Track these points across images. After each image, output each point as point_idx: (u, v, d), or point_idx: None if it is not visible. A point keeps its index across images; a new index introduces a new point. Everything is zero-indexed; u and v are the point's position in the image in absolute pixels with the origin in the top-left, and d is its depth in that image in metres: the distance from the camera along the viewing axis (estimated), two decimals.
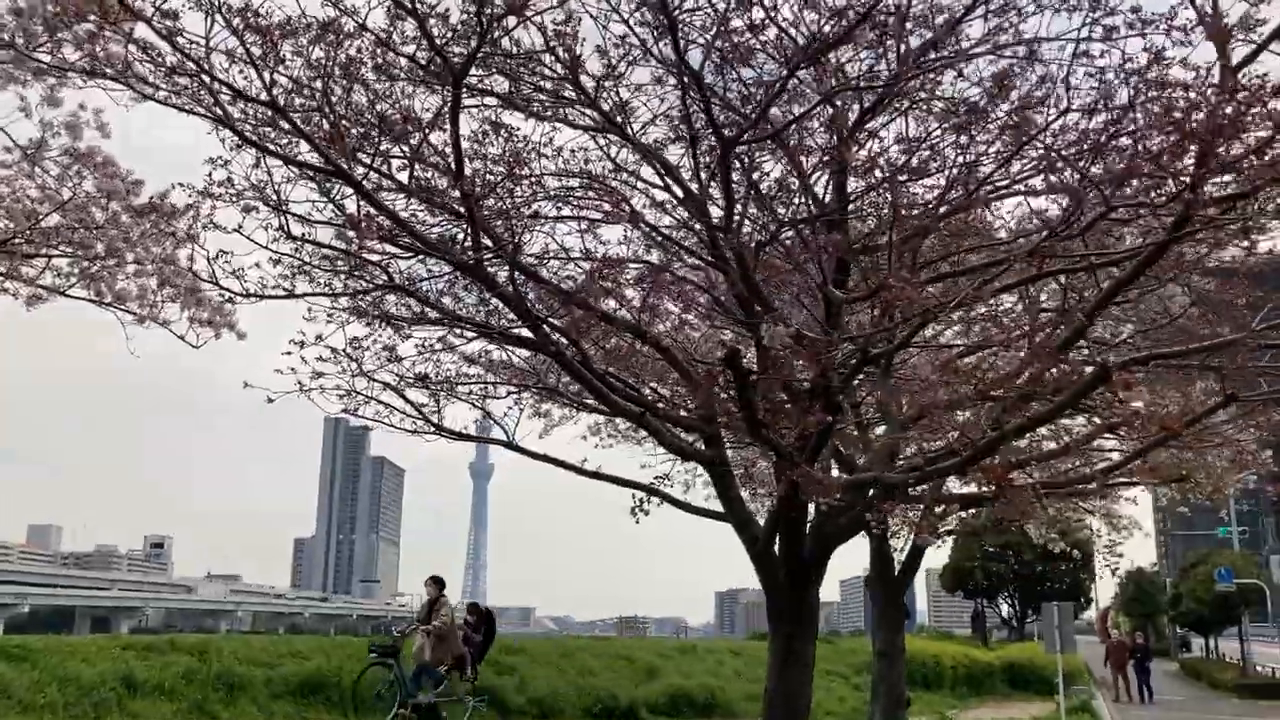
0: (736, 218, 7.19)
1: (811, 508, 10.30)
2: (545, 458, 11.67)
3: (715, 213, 8.68)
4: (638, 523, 9.43)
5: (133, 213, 11.02)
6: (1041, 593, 57.06)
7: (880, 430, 16.22)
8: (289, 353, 9.79)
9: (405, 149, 8.59)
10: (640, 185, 9.39)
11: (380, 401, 11.22)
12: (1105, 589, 76.05)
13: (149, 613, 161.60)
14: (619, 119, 8.25)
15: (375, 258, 9.42)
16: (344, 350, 10.54)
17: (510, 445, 11.77)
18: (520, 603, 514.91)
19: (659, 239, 9.46)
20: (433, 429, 11.47)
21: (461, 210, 8.33)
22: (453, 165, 7.69)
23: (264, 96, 7.25)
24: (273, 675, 17.95)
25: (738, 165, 7.17)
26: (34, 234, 10.03)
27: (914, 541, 19.97)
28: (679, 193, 9.64)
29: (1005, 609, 72.62)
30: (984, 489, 5.77)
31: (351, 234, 9.04)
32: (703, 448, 9.94)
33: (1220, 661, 49.66)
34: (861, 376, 10.22)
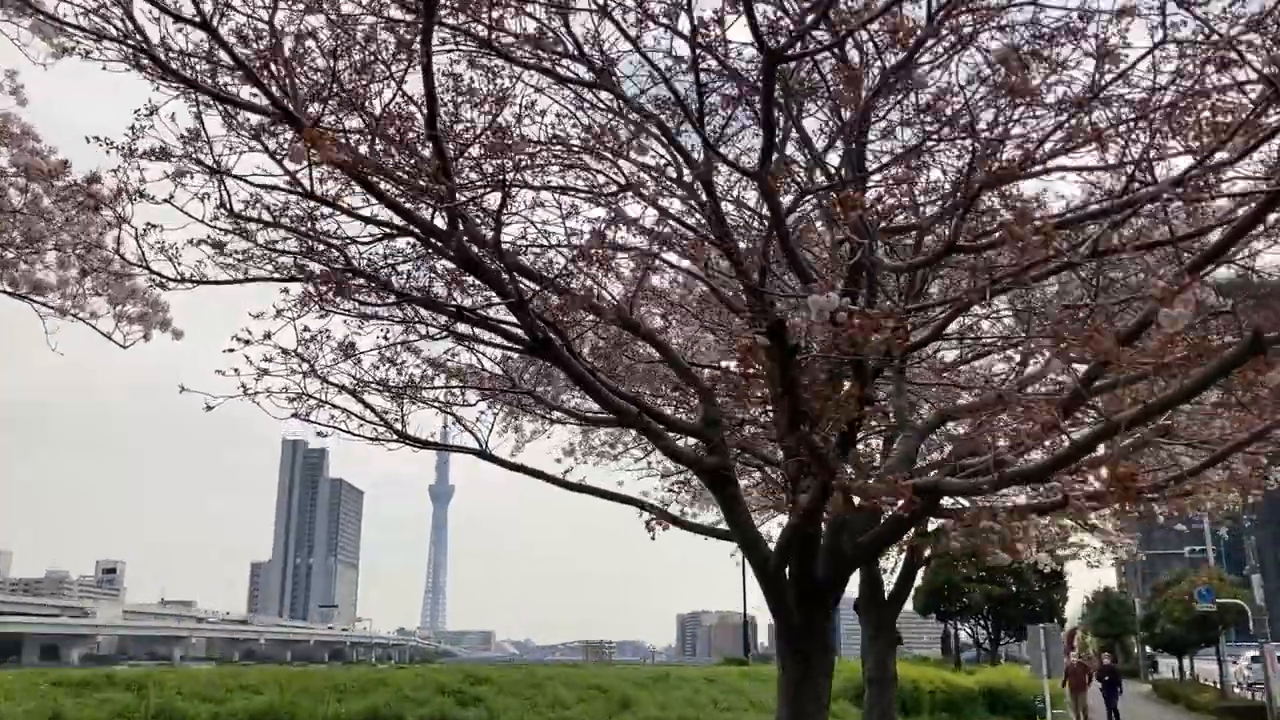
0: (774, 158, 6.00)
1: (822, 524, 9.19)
2: (523, 468, 10.46)
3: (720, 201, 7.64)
4: (654, 538, 8.29)
5: (56, 195, 9.80)
6: (1017, 614, 56.09)
7: (873, 442, 15.23)
8: (231, 349, 8.55)
9: (365, 118, 7.40)
10: (635, 158, 8.30)
11: (335, 406, 9.94)
12: (1072, 609, 75.37)
13: (100, 640, 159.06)
14: (612, 76, 7.17)
15: (334, 240, 8.22)
16: (294, 350, 9.30)
17: (483, 454, 10.52)
18: (480, 626, 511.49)
19: (656, 218, 8.32)
20: (395, 436, 10.21)
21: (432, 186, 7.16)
22: (423, 113, 6.50)
23: (196, 18, 6.00)
24: (220, 711, 16.69)
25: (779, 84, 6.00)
26: None
27: (905, 564, 18.97)
28: (673, 174, 8.60)
29: (976, 631, 71.56)
30: (1111, 492, 4.66)
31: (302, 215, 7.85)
32: (704, 455, 8.76)
33: (1196, 683, 48.95)
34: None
